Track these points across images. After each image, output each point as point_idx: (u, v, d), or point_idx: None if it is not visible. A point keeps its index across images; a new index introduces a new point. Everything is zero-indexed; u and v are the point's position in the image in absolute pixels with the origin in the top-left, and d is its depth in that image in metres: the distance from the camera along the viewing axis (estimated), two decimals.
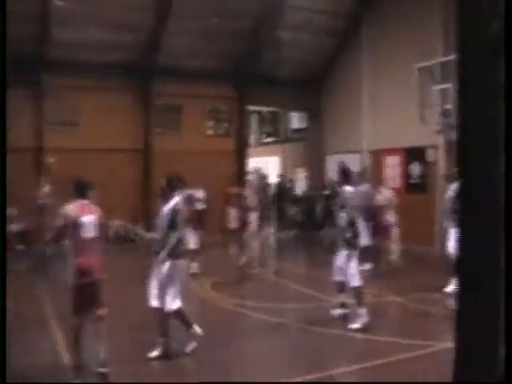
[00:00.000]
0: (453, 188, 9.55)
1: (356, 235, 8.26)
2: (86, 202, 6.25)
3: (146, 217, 18.15)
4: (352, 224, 8.23)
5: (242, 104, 20.58)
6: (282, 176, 21.41)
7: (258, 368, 6.74)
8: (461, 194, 3.17)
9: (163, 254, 6.69)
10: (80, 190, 6.30)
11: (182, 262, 6.79)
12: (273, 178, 21.82)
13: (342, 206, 8.28)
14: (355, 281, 8.18)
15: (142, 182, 18.73)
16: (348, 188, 8.44)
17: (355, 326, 7.99)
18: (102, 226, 6.31)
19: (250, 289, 12.06)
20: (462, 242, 3.07)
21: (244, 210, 17.75)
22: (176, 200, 6.89)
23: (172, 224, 6.73)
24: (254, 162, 23.73)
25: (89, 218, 6.13)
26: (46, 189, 15.37)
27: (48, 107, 17.67)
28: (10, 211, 15.75)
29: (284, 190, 20.18)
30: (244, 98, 20.36)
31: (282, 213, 20.38)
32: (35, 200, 13.81)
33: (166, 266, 6.72)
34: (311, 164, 22.08)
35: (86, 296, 6.07)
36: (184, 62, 18.66)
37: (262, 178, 16.17)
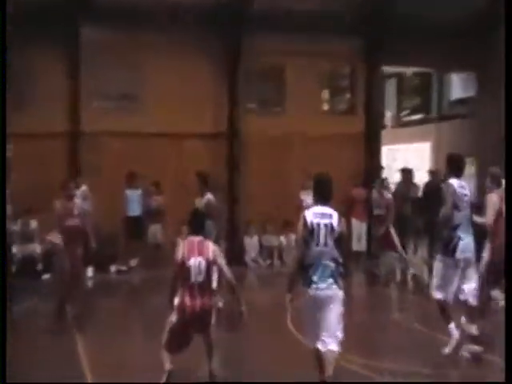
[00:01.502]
0: None
1: (452, 240, 9.26)
2: (198, 238, 7.77)
3: (236, 231, 18.30)
4: (454, 228, 9.30)
5: (374, 64, 19.69)
6: (433, 172, 19.96)
7: None
8: None
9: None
10: (196, 226, 7.92)
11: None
12: (420, 176, 20.43)
13: (456, 206, 9.31)
14: (435, 293, 9.52)
15: (228, 180, 18.59)
16: (455, 181, 9.47)
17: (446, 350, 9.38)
18: (212, 269, 7.70)
19: (384, 342, 11.44)
20: None
21: (377, 223, 17.99)
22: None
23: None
24: (390, 151, 23.49)
25: (197, 261, 7.64)
26: (82, 190, 15.47)
27: (90, 74, 17.51)
28: (31, 224, 16.55)
29: (437, 194, 19.01)
30: (376, 54, 19.55)
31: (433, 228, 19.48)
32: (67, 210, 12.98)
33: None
34: (482, 153, 20.88)
35: (179, 336, 7.75)
36: (287, 4, 18.06)
37: (406, 175, 15.51)
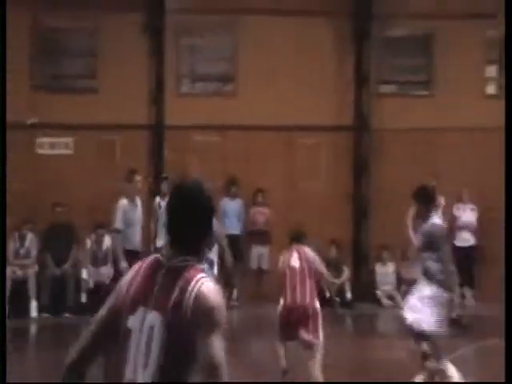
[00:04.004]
0: None
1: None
2: (154, 258, 3.58)
3: (365, 256, 15.65)
4: None
5: None
6: None
7: None
8: None
9: None
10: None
11: None
12: None
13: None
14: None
15: (353, 187, 16.07)
16: None
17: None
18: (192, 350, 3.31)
19: None
20: None
21: None
22: None
23: None
24: None
25: (146, 320, 3.40)
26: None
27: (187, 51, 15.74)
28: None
29: None
30: None
31: None
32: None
33: None
34: None
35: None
36: None
37: None
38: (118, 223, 11.58)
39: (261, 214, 15.01)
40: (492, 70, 16.88)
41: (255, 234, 14.88)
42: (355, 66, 16.02)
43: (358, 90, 16.00)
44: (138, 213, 12.05)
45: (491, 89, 17.04)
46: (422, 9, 15.59)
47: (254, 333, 13.27)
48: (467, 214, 15.16)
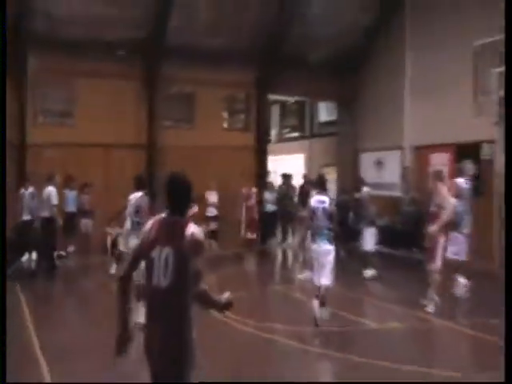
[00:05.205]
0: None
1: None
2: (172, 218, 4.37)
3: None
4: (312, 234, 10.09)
5: (263, 92, 20.46)
6: (307, 177, 20.85)
7: None
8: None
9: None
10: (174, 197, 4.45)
11: None
12: (296, 180, 21.14)
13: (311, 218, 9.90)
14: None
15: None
16: (316, 197, 9.91)
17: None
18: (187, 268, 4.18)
19: (274, 310, 11.89)
20: None
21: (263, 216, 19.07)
22: None
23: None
24: (275, 161, 23.63)
25: (162, 252, 4.22)
26: (30, 191, 14.85)
27: (36, 96, 17.59)
28: None
29: (309, 194, 19.80)
30: (264, 84, 20.18)
31: None
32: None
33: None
34: (342, 163, 21.74)
35: None
36: (196, 41, 18.39)
37: (287, 179, 17.01)
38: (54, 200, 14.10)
39: (86, 199, 16.88)
40: (226, 114, 21.08)
41: (83, 212, 16.88)
42: (149, 110, 18.60)
43: (151, 123, 18.64)
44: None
45: (225, 126, 20.93)
46: (188, 76, 18.05)
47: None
48: (213, 197, 17.97)
